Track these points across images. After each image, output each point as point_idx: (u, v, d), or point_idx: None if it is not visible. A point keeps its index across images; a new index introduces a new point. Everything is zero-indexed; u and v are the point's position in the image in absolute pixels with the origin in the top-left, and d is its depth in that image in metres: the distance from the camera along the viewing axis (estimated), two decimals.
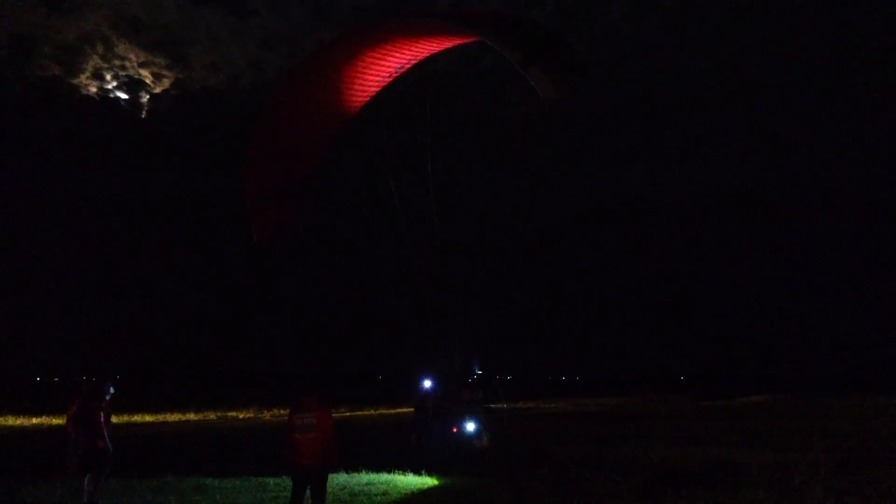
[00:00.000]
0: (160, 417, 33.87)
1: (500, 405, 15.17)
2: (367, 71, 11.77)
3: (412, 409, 17.71)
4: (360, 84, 11.99)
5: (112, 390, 11.38)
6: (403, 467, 14.51)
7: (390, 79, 12.11)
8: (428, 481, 13.26)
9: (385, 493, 11.95)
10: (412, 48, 11.50)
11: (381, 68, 11.77)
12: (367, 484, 12.83)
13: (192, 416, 34.91)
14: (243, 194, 12.32)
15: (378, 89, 12.21)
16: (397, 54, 11.52)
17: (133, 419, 32.30)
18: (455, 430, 14.34)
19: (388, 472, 14.25)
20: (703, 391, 72.22)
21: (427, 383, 17.07)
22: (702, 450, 16.84)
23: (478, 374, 14.74)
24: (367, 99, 12.33)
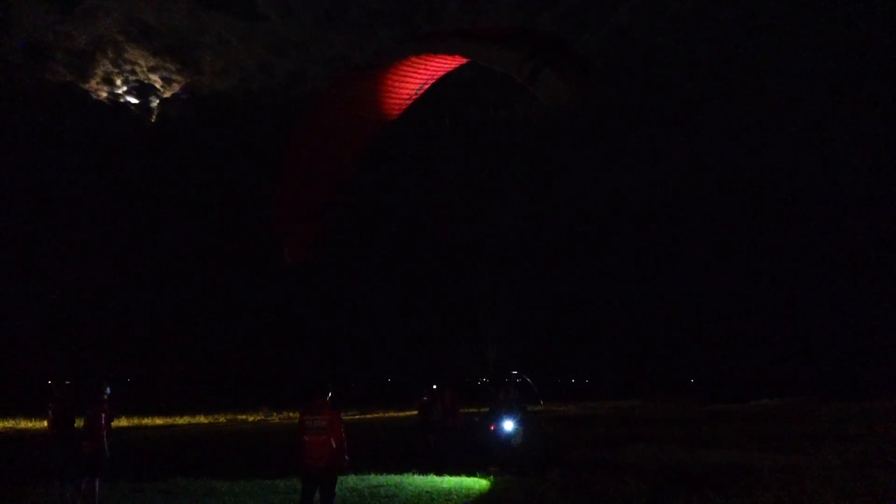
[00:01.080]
0: (170, 420, 34.00)
1: (537, 406, 15.35)
2: (390, 92, 12.16)
3: (417, 412, 17.77)
4: (385, 105, 12.41)
5: (109, 390, 11.26)
6: (412, 469, 14.58)
7: (411, 99, 12.55)
8: (437, 483, 13.25)
9: (394, 496, 11.94)
10: (428, 68, 11.87)
11: (403, 89, 12.17)
12: (376, 486, 12.83)
13: (202, 419, 35.03)
14: (273, 216, 12.73)
15: (401, 110, 12.72)
16: (417, 75, 11.89)
17: (143, 422, 32.45)
18: (493, 428, 14.57)
19: (398, 473, 14.30)
20: (715, 394, 71.84)
21: (433, 385, 17.16)
22: (713, 453, 16.74)
23: (513, 374, 14.97)
24: (391, 119, 12.79)
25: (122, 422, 29.99)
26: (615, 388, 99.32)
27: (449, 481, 13.46)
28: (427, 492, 12.34)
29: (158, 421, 33.38)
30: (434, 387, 17.16)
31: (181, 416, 36.32)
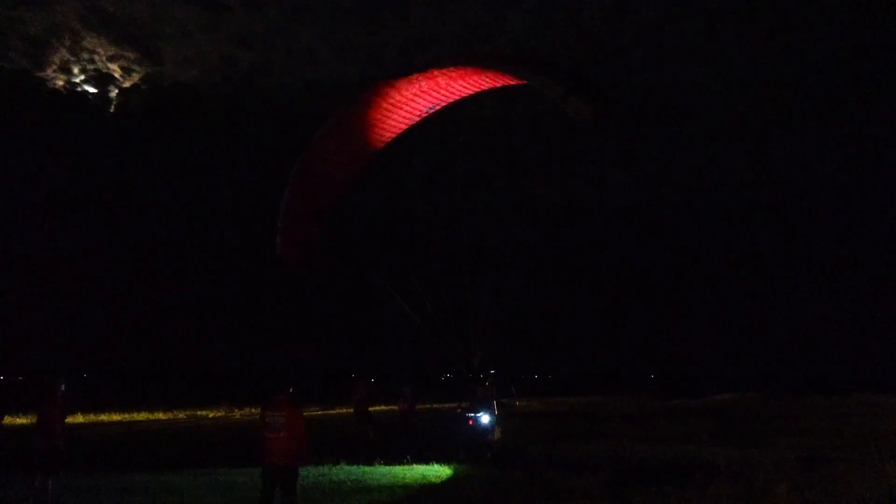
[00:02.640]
0: (128, 416, 33.30)
1: (511, 402, 16.27)
2: (402, 108, 12.88)
3: (354, 406, 19.06)
4: (394, 121, 13.10)
5: (63, 388, 11.01)
6: (376, 461, 14.81)
7: (420, 117, 13.24)
8: (398, 475, 13.28)
9: (357, 490, 11.89)
10: (445, 90, 12.65)
11: (415, 107, 12.93)
12: (338, 481, 12.77)
13: (160, 415, 34.40)
14: (278, 215, 13.22)
15: (410, 125, 13.39)
16: (431, 95, 12.70)
17: (100, 418, 31.73)
18: (471, 423, 15.12)
19: (367, 465, 14.53)
20: (673, 390, 73.07)
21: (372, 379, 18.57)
22: (671, 448, 17.04)
23: (492, 373, 15.68)
24: (399, 132, 13.43)
25: (79, 418, 29.31)
26: (576, 385, 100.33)
27: (412, 473, 13.50)
28: (389, 485, 12.34)
29: (116, 417, 32.68)
30: (373, 380, 18.33)
31: (139, 412, 35.61)
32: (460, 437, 15.43)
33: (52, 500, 10.44)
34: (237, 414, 36.19)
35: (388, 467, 14.42)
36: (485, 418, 15.21)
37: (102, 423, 29.51)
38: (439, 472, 13.89)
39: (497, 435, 15.25)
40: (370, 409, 19.44)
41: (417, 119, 13.21)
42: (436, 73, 12.08)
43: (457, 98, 12.99)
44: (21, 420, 27.21)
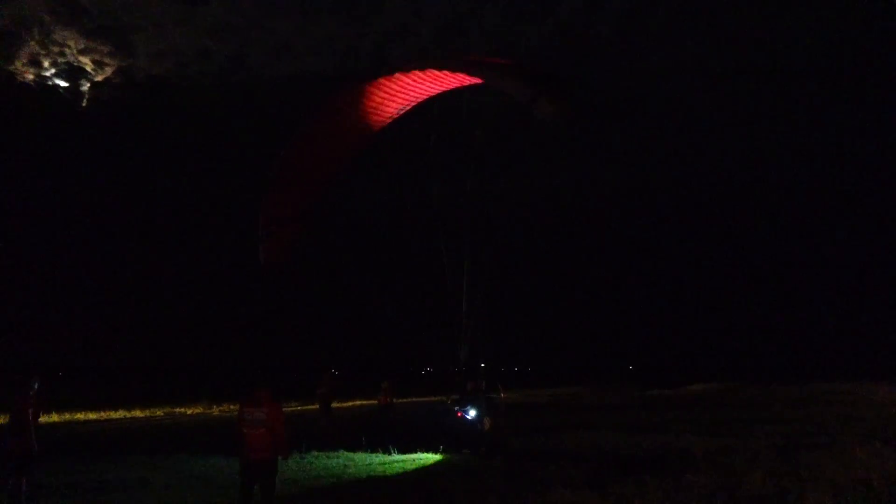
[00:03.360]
0: (104, 414, 32.91)
1: (497, 395, 16.68)
2: (376, 109, 13.08)
3: (318, 399, 20.12)
4: (369, 120, 13.32)
5: (37, 385, 10.83)
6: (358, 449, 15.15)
7: (391, 119, 13.43)
8: (378, 467, 13.28)
9: (336, 486, 11.88)
10: (416, 91, 12.86)
11: (388, 108, 13.15)
12: (317, 476, 12.73)
13: (138, 413, 34.04)
14: (258, 219, 13.29)
15: (385, 125, 13.58)
16: (402, 96, 12.91)
17: (76, 416, 31.31)
18: (460, 415, 15.55)
19: (349, 451, 14.84)
20: (651, 380, 73.79)
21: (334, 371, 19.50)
22: (650, 437, 17.23)
23: (482, 367, 16.03)
24: (376, 131, 13.64)
25: (53, 417, 28.91)
26: (555, 376, 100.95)
27: (393, 465, 13.53)
28: (370, 477, 12.35)
29: (92, 416, 32.25)
30: (336, 373, 19.54)
31: (116, 410, 35.20)
32: (450, 430, 15.65)
33: (25, 500, 10.30)
34: (216, 410, 35.91)
35: (368, 459, 14.42)
36: (472, 411, 15.39)
37: (78, 422, 29.13)
38: (421, 462, 13.92)
39: (487, 426, 15.46)
40: (331, 403, 20.60)
41: (389, 121, 13.39)
42: (405, 75, 12.20)
43: (425, 98, 13.12)
44: None
